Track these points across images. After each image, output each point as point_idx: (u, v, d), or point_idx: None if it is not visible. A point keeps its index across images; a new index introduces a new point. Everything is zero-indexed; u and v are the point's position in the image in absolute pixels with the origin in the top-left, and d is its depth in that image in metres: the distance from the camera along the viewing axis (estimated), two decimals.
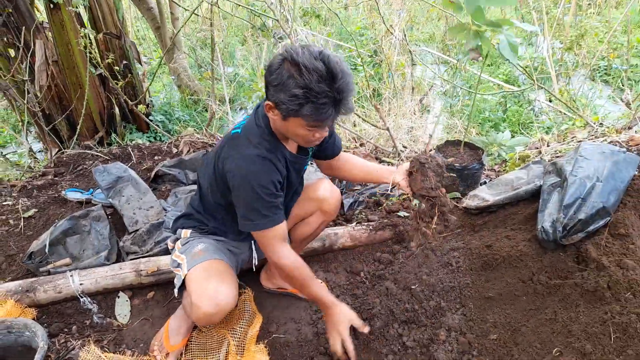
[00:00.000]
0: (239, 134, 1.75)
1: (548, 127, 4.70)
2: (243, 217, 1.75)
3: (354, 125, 3.56)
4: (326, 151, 2.05)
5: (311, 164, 2.66)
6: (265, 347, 2.07)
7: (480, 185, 2.75)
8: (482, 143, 3.05)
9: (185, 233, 2.06)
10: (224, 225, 2.02)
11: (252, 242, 2.14)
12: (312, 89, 1.44)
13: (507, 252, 2.00)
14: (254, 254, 2.17)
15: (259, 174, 1.67)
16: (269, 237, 1.76)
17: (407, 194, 2.04)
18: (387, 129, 3.04)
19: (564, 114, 4.35)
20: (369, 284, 2.35)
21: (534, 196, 2.21)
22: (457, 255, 2.24)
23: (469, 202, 2.46)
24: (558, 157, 2.65)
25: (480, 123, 4.91)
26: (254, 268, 2.26)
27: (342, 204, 2.85)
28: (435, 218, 1.98)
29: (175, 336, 2.12)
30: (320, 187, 2.13)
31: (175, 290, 2.00)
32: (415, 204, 2.02)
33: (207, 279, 1.84)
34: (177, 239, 2.09)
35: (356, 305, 2.21)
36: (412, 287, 2.19)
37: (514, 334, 1.76)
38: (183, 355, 2.14)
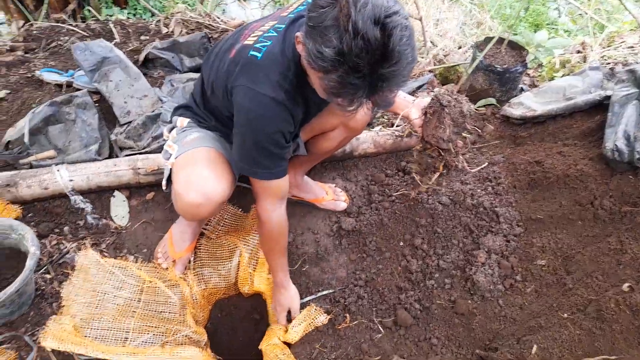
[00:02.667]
0: (258, 60, 1.35)
1: (567, 31, 4.33)
2: (239, 160, 1.48)
3: None
4: None
5: None
6: None
7: (520, 91, 2.46)
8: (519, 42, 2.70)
9: (182, 122, 1.75)
10: (227, 128, 1.69)
11: None
12: (346, 59, 1.03)
13: (562, 171, 1.79)
14: None
15: (268, 122, 1.35)
16: (264, 188, 1.53)
17: (418, 135, 1.71)
18: (420, 19, 2.63)
19: (590, 16, 3.96)
20: (392, 196, 2.14)
21: (593, 108, 1.95)
22: (497, 170, 2.03)
23: (512, 110, 2.19)
24: (609, 63, 2.36)
25: (500, 21, 4.48)
26: None
27: None
28: (437, 174, 1.66)
29: (180, 243, 1.93)
30: None
31: (164, 182, 1.75)
32: (421, 148, 1.69)
33: (194, 165, 1.57)
34: (173, 128, 1.79)
35: (375, 219, 2.02)
36: (443, 202, 2.00)
37: (567, 261, 1.62)
38: (191, 263, 1.96)
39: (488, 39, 2.53)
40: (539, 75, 2.76)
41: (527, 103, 2.17)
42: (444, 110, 1.53)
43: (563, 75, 2.48)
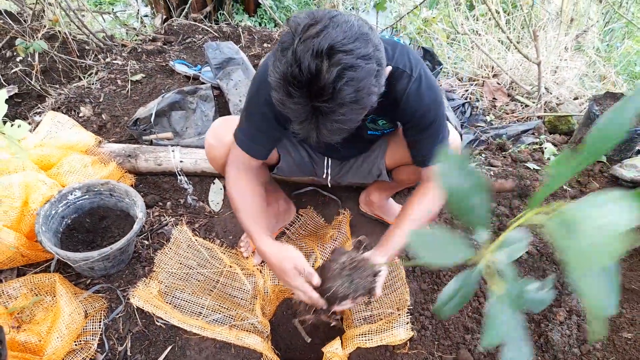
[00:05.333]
0: None
1: None
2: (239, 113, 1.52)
3: (491, 50, 3.08)
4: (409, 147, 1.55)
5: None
6: None
7: (636, 154, 2.30)
8: None
9: None
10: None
11: (326, 158, 1.88)
12: (283, 84, 1.03)
13: None
14: (327, 170, 1.89)
15: (266, 88, 1.25)
16: (232, 150, 1.53)
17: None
18: (538, 64, 2.58)
19: None
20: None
21: None
22: None
23: (623, 171, 2.07)
24: None
25: (627, 78, 4.19)
26: (328, 184, 1.97)
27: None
28: (309, 316, 1.42)
29: None
30: None
31: None
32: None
33: (228, 117, 1.70)
34: None
35: None
36: (528, 251, 1.93)
37: None
38: None
39: (608, 94, 2.41)
40: None
41: None
42: (330, 258, 1.34)
43: None
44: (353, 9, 5.78)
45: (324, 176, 1.90)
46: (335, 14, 1.05)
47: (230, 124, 1.61)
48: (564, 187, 2.16)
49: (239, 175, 1.54)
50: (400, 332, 1.72)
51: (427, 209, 1.50)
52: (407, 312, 1.77)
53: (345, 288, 1.31)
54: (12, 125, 1.43)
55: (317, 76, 0.99)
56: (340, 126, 1.08)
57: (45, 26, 3.05)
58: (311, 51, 0.98)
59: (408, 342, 1.76)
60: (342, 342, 1.82)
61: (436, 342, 1.78)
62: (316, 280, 1.37)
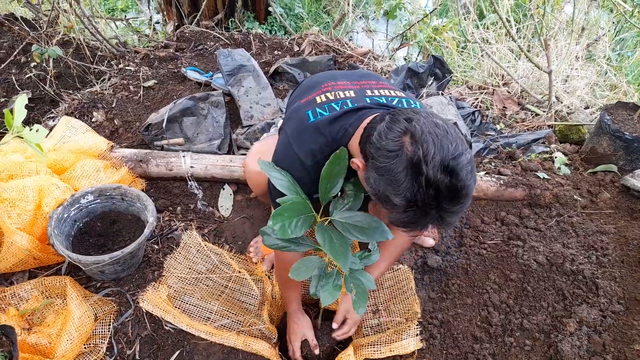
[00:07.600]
0: (307, 124, 1.38)
1: None
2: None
3: (501, 59, 3.08)
4: None
5: None
6: None
7: None
8: None
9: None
10: None
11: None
12: (417, 206, 1.07)
13: None
14: None
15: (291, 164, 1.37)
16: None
17: None
18: (549, 73, 2.57)
19: None
20: (485, 244, 2.10)
21: None
22: (605, 240, 1.90)
23: (635, 182, 2.05)
24: None
25: (638, 88, 4.16)
26: None
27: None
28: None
29: None
30: None
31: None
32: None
33: (265, 142, 1.73)
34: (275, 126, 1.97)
35: (463, 262, 1.99)
36: (538, 261, 1.91)
37: None
38: None
39: (620, 104, 2.40)
40: None
41: None
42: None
43: None
44: (363, 17, 5.80)
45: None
46: (422, 124, 1.07)
47: (268, 154, 1.56)
48: (575, 196, 2.15)
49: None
50: (410, 344, 1.72)
51: (398, 244, 1.73)
52: (417, 324, 1.77)
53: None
54: (30, 129, 1.45)
55: (454, 186, 1.03)
56: (463, 210, 1.13)
57: (60, 32, 3.09)
58: (440, 169, 1.02)
59: (416, 351, 1.75)
60: (354, 350, 1.82)
61: (444, 352, 1.77)
62: (317, 351, 1.78)
